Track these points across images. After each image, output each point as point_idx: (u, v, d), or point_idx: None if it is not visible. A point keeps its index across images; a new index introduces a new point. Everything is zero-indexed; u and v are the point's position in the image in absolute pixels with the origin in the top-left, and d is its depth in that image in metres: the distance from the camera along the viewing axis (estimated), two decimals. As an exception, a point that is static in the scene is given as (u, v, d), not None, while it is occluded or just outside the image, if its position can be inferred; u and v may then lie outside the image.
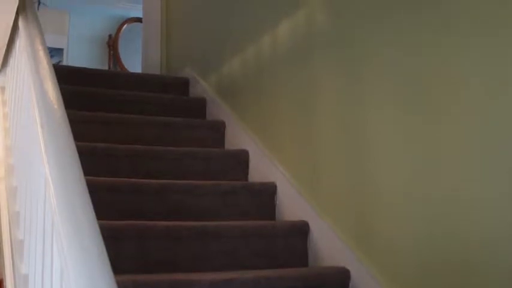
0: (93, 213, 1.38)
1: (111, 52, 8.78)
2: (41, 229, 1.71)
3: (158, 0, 5.57)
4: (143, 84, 4.51)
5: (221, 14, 4.30)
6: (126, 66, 8.59)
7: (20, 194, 2.42)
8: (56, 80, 2.07)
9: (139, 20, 7.82)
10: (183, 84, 4.67)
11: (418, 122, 2.31)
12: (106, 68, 8.65)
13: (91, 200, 1.44)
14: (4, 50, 3.45)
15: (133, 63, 8.13)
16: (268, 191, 3.23)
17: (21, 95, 2.58)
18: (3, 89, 3.60)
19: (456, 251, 2.11)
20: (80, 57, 8.45)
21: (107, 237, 1.36)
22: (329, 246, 2.76)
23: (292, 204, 3.08)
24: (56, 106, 1.88)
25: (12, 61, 3.20)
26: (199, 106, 4.28)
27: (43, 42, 2.45)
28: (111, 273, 1.21)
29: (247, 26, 3.82)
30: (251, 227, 2.86)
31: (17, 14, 2.99)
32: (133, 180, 3.01)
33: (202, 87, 4.40)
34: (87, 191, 1.46)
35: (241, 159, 3.56)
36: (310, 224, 2.90)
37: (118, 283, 1.21)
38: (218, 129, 3.92)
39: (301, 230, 2.92)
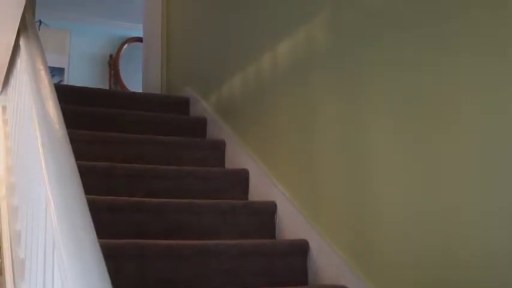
0: (94, 232, 1.39)
1: (112, 71, 8.81)
2: (42, 247, 1.72)
3: (159, 20, 5.60)
4: (144, 103, 4.53)
5: (221, 34, 4.32)
6: (126, 86, 8.61)
7: (21, 212, 2.43)
8: (57, 100, 2.09)
9: (139, 39, 7.85)
10: (184, 104, 4.68)
11: (418, 141, 2.32)
12: (107, 87, 8.67)
13: (91, 219, 1.44)
14: (5, 70, 3.46)
15: (134, 82, 8.15)
16: (268, 210, 3.23)
17: (23, 114, 2.60)
18: (4, 108, 3.62)
19: (456, 269, 2.11)
20: (80, 76, 8.47)
21: (107, 256, 1.36)
22: (329, 264, 2.76)
23: (292, 223, 3.08)
24: (56, 125, 1.89)
25: (13, 80, 3.21)
26: (199, 125, 4.29)
27: (44, 62, 2.47)
28: (111, 291, 1.22)
29: (248, 46, 3.84)
30: (251, 246, 2.86)
31: (18, 33, 3.00)
32: (133, 199, 3.01)
33: (203, 106, 4.41)
34: (88, 209, 1.47)
35: (242, 178, 3.56)
36: (310, 243, 2.91)
37: (118, 301, 1.21)
38: (218, 148, 3.92)
39: (301, 248, 2.92)
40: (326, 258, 2.78)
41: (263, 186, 3.39)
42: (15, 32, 3.02)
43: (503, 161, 1.94)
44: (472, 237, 2.05)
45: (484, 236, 2.00)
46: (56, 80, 8.25)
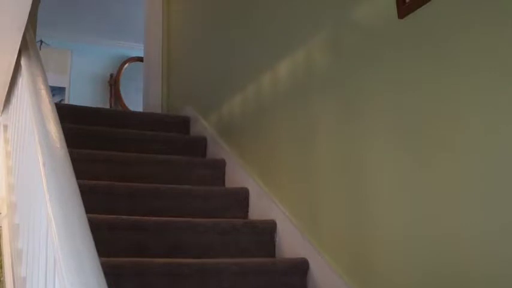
0: (95, 251, 1.39)
1: (113, 91, 8.82)
2: (43, 266, 1.72)
3: (159, 39, 5.63)
4: (144, 122, 4.54)
5: (221, 54, 4.34)
6: (127, 105, 8.63)
7: (23, 231, 2.43)
8: (58, 119, 2.09)
9: (140, 59, 7.88)
10: (184, 123, 4.70)
11: (418, 160, 2.32)
12: (107, 106, 8.69)
13: (92, 237, 1.45)
14: (7, 89, 3.47)
15: (134, 101, 8.17)
16: (268, 229, 3.23)
17: (24, 133, 2.60)
18: (6, 127, 3.63)
19: (455, 288, 2.11)
20: (81, 96, 8.49)
21: (107, 274, 1.36)
22: (328, 283, 2.76)
23: (291, 242, 3.08)
24: (57, 144, 1.89)
25: (14, 100, 3.22)
26: (199, 144, 4.30)
27: (45, 81, 2.48)
28: (112, 309, 1.22)
29: (247, 66, 3.85)
30: (251, 265, 2.86)
31: (19, 53, 3.02)
32: (133, 218, 3.01)
33: (203, 125, 4.42)
34: (88, 228, 1.48)
35: (241, 197, 3.57)
36: (310, 262, 2.91)
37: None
38: (218, 167, 3.93)
39: (301, 267, 2.92)
40: (326, 277, 2.78)
41: (263, 205, 3.39)
42: (17, 52, 3.03)
43: (504, 179, 1.94)
44: (473, 257, 2.04)
45: (485, 255, 2.00)
46: (57, 99, 8.27)
